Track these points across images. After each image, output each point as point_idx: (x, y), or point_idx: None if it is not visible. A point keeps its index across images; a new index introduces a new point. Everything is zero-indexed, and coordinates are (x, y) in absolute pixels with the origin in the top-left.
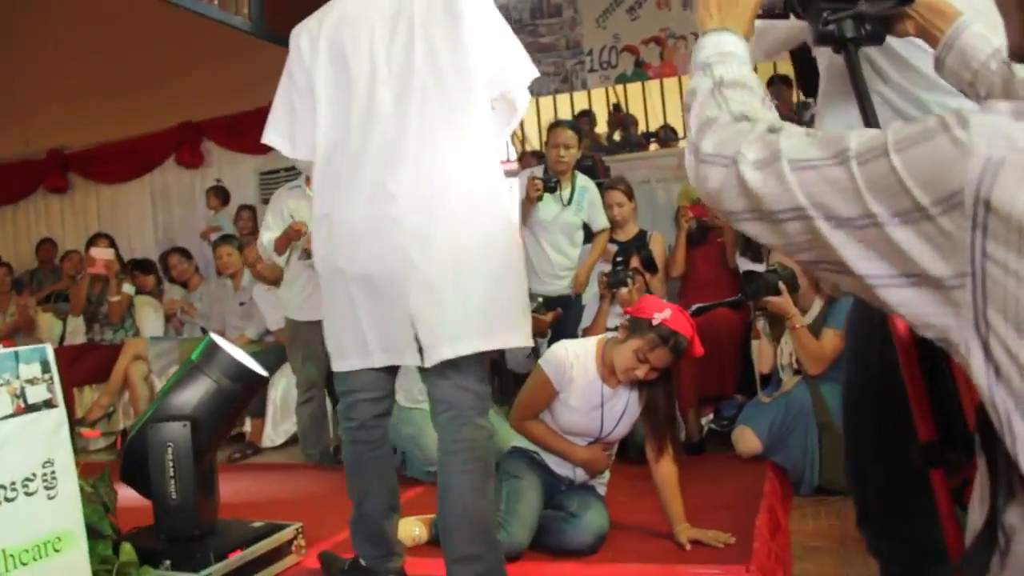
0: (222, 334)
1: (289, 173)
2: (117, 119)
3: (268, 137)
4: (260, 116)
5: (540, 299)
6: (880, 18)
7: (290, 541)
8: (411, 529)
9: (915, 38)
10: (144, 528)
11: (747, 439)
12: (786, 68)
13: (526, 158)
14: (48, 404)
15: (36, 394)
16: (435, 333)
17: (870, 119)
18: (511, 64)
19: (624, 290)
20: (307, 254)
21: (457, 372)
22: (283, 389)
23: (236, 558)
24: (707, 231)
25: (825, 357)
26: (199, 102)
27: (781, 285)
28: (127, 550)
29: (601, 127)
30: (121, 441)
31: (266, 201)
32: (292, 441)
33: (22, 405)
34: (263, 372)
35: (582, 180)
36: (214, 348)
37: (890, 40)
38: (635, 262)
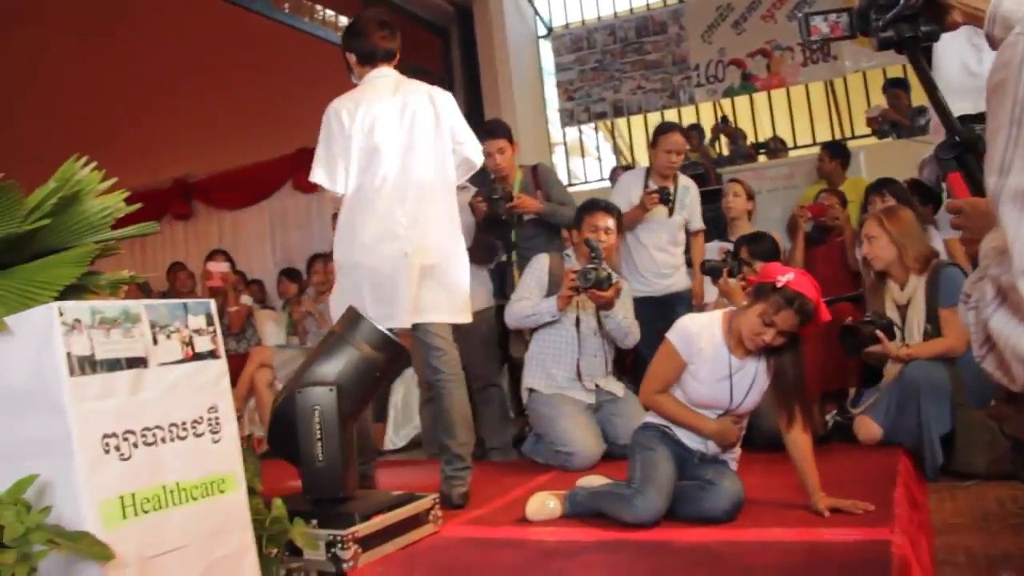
0: None
1: None
2: (237, 148)
3: (315, 175)
4: None
5: (593, 274)
6: (930, 15)
7: (428, 510)
8: (546, 502)
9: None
10: (289, 495)
11: (867, 427)
12: (895, 71)
13: (618, 172)
14: (212, 354)
15: (202, 344)
16: (425, 306)
17: (943, 114)
18: (467, 141)
19: (729, 280)
20: None
21: (442, 330)
22: (403, 394)
23: (378, 520)
24: (826, 231)
25: (956, 347)
26: (315, 128)
27: (879, 334)
28: (278, 505)
29: (709, 141)
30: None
31: None
32: (412, 446)
33: (191, 352)
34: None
35: (684, 180)
36: (357, 317)
37: None
38: (743, 253)
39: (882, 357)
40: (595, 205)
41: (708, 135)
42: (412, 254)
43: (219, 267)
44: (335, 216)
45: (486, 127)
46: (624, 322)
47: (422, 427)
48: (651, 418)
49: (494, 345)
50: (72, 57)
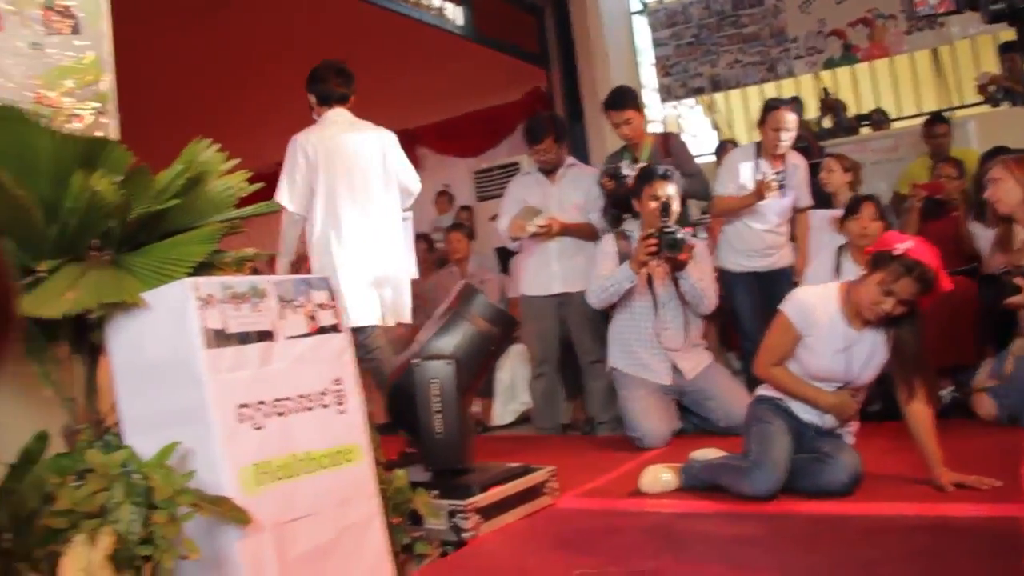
0: None
1: (504, 170)
2: None
3: (279, 196)
4: (471, 120)
5: (668, 236)
6: None
7: (544, 482)
8: (660, 475)
9: None
10: (409, 466)
11: (983, 403)
12: (1007, 35)
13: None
14: (334, 328)
15: (325, 318)
16: (395, 308)
17: None
18: (406, 175)
19: None
20: (541, 236)
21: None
22: (511, 370)
23: (496, 491)
24: (940, 206)
25: None
26: (413, 109)
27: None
28: (400, 475)
29: (809, 113)
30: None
31: (482, 199)
32: (520, 421)
33: (315, 326)
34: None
35: (794, 158)
36: (472, 292)
37: None
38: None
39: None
40: (653, 174)
41: (817, 110)
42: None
43: None
44: (440, 193)
45: (609, 98)
46: (699, 284)
47: (533, 403)
48: (765, 391)
49: (600, 320)
50: (182, 42)
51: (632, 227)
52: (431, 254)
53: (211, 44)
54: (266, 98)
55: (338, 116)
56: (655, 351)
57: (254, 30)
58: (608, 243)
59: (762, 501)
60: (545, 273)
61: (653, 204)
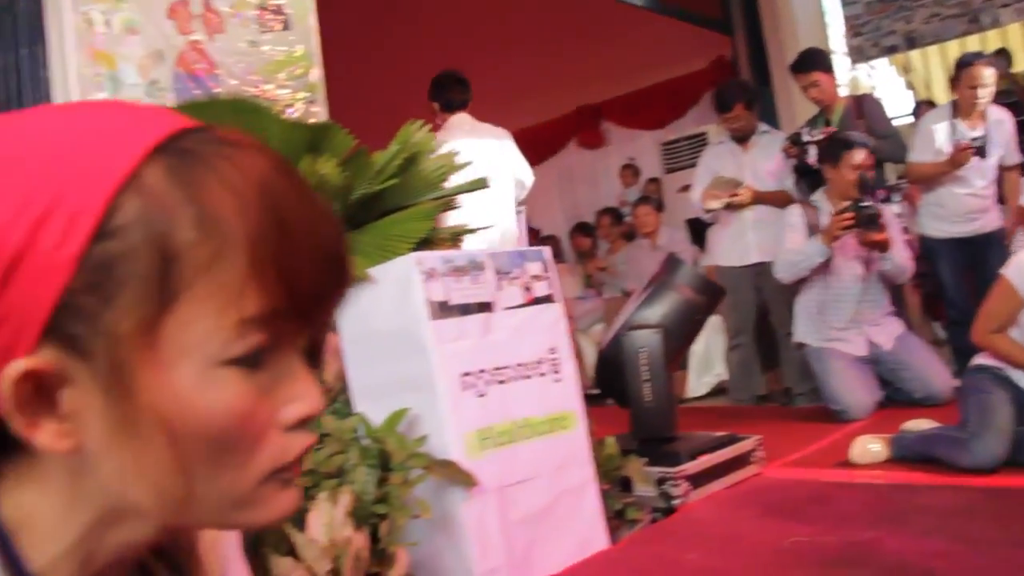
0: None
1: (691, 141)
2: (523, 108)
3: None
4: (656, 92)
5: (866, 210)
6: None
7: (751, 452)
8: (870, 446)
9: None
10: (619, 435)
11: None
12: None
13: (923, 108)
14: (549, 299)
15: (540, 289)
16: None
17: None
18: (522, 170)
19: None
20: (736, 205)
21: None
22: (705, 341)
23: (705, 459)
24: None
25: None
26: (596, 84)
27: None
28: (610, 443)
29: (1020, 66)
30: None
31: (670, 171)
32: (714, 393)
33: (531, 297)
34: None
35: (996, 114)
36: (677, 263)
37: None
38: None
39: None
40: (851, 141)
41: None
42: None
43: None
44: (625, 167)
45: (795, 61)
46: (898, 259)
47: (729, 374)
48: (984, 359)
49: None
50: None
51: (817, 197)
52: (615, 227)
53: (406, 28)
54: (475, 75)
55: (461, 121)
56: (851, 324)
57: (445, 13)
58: (794, 215)
59: (983, 474)
60: (740, 243)
61: (851, 175)
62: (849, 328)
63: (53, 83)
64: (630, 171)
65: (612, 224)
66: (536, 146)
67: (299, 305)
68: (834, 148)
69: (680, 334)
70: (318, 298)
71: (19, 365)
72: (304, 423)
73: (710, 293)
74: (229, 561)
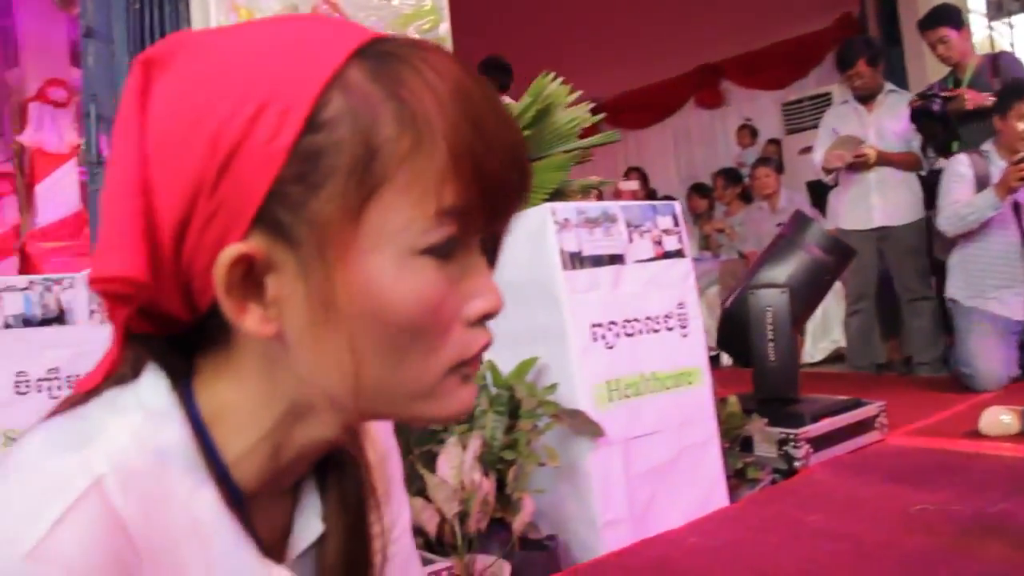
0: (753, 255)
1: (813, 101)
2: (640, 67)
3: None
4: (777, 50)
5: None
6: None
7: (874, 417)
8: (1001, 417)
9: None
10: (739, 395)
11: None
12: None
13: None
14: (679, 253)
15: (670, 243)
16: None
17: None
18: None
19: None
20: (859, 166)
21: None
22: (822, 307)
23: (827, 422)
24: None
25: None
26: (716, 43)
27: None
28: (733, 402)
29: None
30: None
31: (790, 132)
32: (831, 359)
33: (661, 251)
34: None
35: None
36: (805, 221)
37: None
38: None
39: None
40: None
41: None
42: None
43: (627, 186)
44: (742, 127)
45: (923, 17)
46: None
47: (847, 340)
48: None
49: (923, 255)
50: None
51: (987, 147)
52: (732, 188)
53: None
54: (573, 37)
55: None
56: (1012, 284)
57: None
58: (961, 164)
59: None
60: (863, 205)
61: (1022, 126)
62: (1009, 288)
63: None
64: (747, 132)
65: (728, 185)
66: (653, 105)
67: (489, 200)
68: (1006, 97)
69: (807, 294)
70: (505, 195)
71: (233, 249)
72: (485, 319)
73: (839, 253)
74: (394, 482)
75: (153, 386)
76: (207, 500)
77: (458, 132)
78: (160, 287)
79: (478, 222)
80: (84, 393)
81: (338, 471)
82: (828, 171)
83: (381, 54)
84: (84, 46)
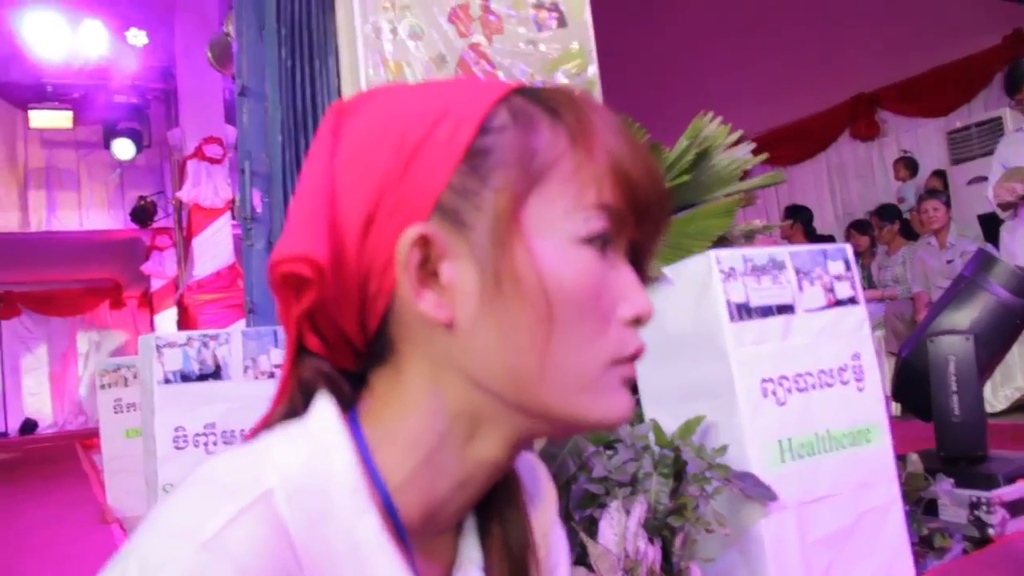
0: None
1: (982, 127)
2: (790, 99)
3: None
4: (940, 74)
5: None
6: None
7: None
8: None
9: None
10: (920, 451)
11: None
12: None
13: None
14: (852, 301)
15: (842, 290)
16: None
17: None
18: None
19: None
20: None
21: None
22: None
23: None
24: None
25: None
26: (871, 70)
27: None
28: (914, 460)
29: None
30: None
31: (956, 162)
32: (1016, 408)
33: (832, 299)
34: None
35: None
36: (990, 259)
37: None
38: None
39: None
40: None
41: None
42: None
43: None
44: (898, 160)
45: None
46: None
47: None
48: None
49: None
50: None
51: None
52: (885, 226)
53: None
54: (719, 72)
55: None
56: None
57: (698, 3)
58: None
59: None
60: None
61: None
62: None
63: (345, 90)
64: (904, 164)
65: (883, 223)
66: (807, 139)
67: (638, 205)
68: None
69: (994, 341)
70: (649, 207)
71: (416, 229)
72: (637, 323)
73: None
74: (554, 525)
75: (322, 416)
76: (369, 526)
77: (612, 141)
78: (341, 283)
79: (628, 223)
80: (268, 420)
81: (500, 518)
82: (1002, 206)
83: (536, 90)
84: (239, 104)
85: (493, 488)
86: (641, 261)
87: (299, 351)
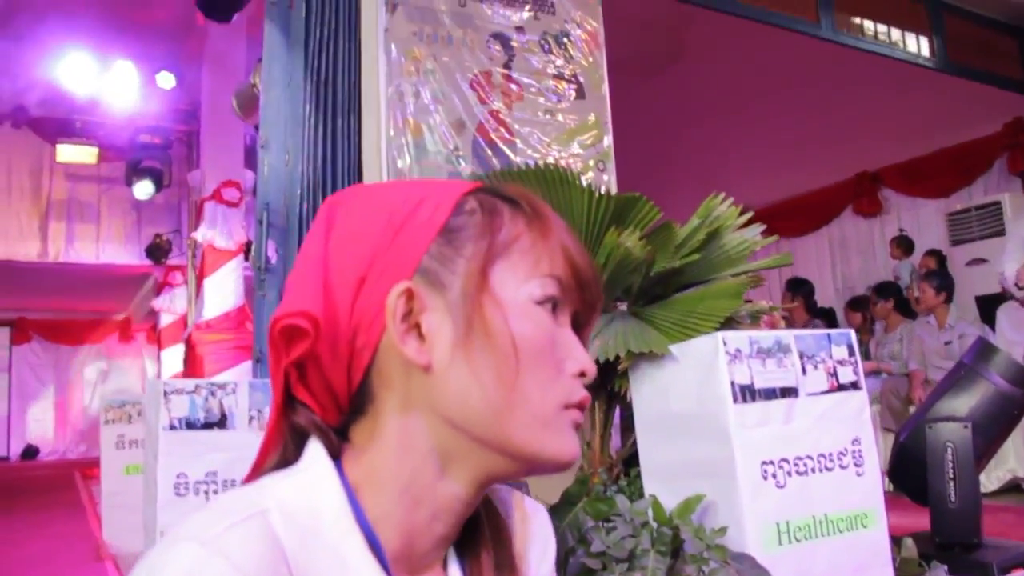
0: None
1: (982, 211)
2: (796, 174)
3: None
4: (942, 158)
5: None
6: None
7: None
8: None
9: None
10: (915, 534)
11: None
12: None
13: None
14: (854, 385)
15: (845, 375)
16: None
17: None
18: None
19: None
20: None
21: None
22: None
23: (1020, 574)
24: None
25: None
26: (875, 150)
27: None
28: (908, 546)
29: None
30: None
31: (956, 243)
32: (1006, 489)
33: (835, 383)
34: None
35: None
36: (989, 349)
37: None
38: None
39: None
40: None
41: None
42: None
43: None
44: (894, 240)
45: None
46: None
47: None
48: None
49: None
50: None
51: None
52: (880, 303)
53: (663, 97)
54: (723, 147)
55: None
56: None
57: (708, 80)
58: None
59: None
60: None
61: None
62: None
63: (366, 149)
64: (897, 243)
65: (879, 299)
66: (810, 213)
67: (579, 279)
68: None
69: (991, 429)
70: (588, 283)
71: (402, 285)
72: (582, 376)
73: None
74: (551, 574)
75: (314, 458)
76: (354, 545)
77: (559, 228)
78: (333, 339)
79: (572, 293)
80: (260, 464)
81: (485, 555)
82: (1020, 287)
83: (497, 188)
84: (260, 157)
85: (479, 526)
86: (582, 329)
87: (290, 402)
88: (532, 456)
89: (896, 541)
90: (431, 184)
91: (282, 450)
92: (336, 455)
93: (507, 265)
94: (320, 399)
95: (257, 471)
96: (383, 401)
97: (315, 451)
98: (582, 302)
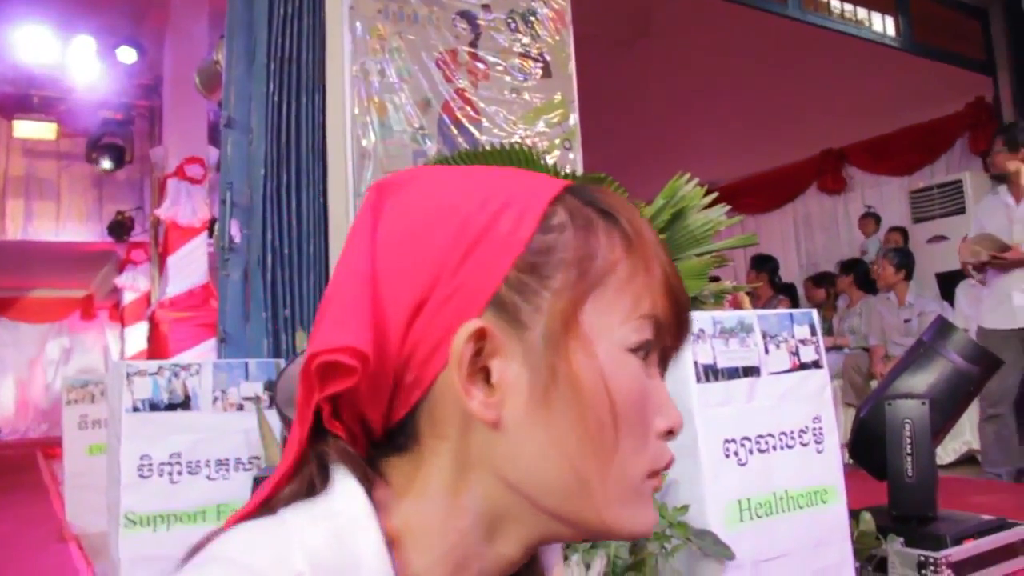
0: (878, 350)
1: (944, 189)
2: (761, 152)
3: None
4: (905, 136)
5: None
6: None
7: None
8: None
9: None
10: (873, 507)
11: None
12: None
13: None
14: (815, 364)
15: (807, 354)
16: None
17: None
18: None
19: None
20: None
21: None
22: None
23: (971, 545)
24: None
25: None
26: (840, 127)
27: None
28: (867, 520)
29: None
30: None
31: (917, 220)
32: (962, 461)
33: (797, 362)
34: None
35: None
36: (948, 327)
37: None
38: None
39: None
40: None
41: None
42: None
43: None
44: (864, 216)
45: None
46: None
47: (982, 445)
48: None
49: None
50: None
51: None
52: (850, 278)
53: (633, 74)
54: (689, 124)
55: None
56: None
57: (676, 58)
58: None
59: None
60: (1006, 305)
61: None
62: None
63: (330, 128)
64: (871, 219)
65: (845, 275)
66: (775, 190)
67: (677, 318)
68: None
69: (948, 406)
70: (685, 319)
71: (473, 324)
72: (669, 435)
73: (985, 363)
74: None
75: (349, 496)
76: None
77: (662, 255)
78: (376, 372)
79: (667, 335)
80: (273, 494)
81: None
82: (963, 264)
83: (586, 190)
84: (224, 135)
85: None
86: (664, 368)
87: (318, 428)
88: (609, 532)
89: (854, 515)
90: (510, 182)
91: (307, 478)
92: (368, 488)
93: (602, 303)
94: (352, 429)
95: (270, 500)
96: (431, 449)
97: (348, 488)
98: (676, 342)
